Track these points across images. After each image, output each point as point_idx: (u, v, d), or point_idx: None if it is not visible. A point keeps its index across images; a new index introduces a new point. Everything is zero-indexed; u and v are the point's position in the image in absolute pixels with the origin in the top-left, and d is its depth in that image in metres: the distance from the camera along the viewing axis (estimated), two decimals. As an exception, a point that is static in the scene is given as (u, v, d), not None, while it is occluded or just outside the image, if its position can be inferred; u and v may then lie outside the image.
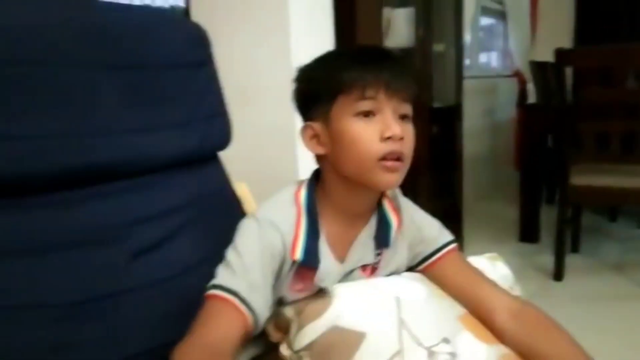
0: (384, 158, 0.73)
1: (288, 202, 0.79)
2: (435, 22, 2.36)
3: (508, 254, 2.63)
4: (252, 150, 1.52)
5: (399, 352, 0.73)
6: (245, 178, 1.19)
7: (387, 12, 2.17)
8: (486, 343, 0.79)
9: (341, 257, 0.81)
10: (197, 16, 1.67)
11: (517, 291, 0.94)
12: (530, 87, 3.56)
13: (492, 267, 0.96)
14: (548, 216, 2.82)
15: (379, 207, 0.84)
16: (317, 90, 0.77)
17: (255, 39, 1.63)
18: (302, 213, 0.78)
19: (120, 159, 0.84)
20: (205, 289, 0.73)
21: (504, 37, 4.29)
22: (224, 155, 1.10)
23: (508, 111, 4.07)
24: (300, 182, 0.83)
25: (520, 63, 3.98)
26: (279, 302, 0.80)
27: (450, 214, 2.59)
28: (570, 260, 2.44)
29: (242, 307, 0.70)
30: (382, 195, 0.84)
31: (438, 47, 2.43)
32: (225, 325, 0.70)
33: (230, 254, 0.74)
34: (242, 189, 1.12)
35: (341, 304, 0.77)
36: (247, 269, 0.72)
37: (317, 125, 0.78)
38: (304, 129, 0.80)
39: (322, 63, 0.80)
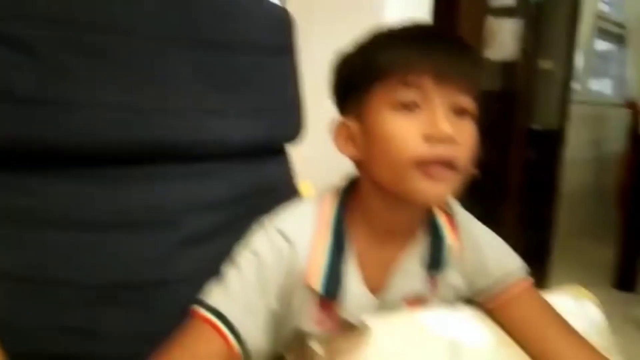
0: (426, 163, 0.56)
1: (310, 212, 0.65)
2: (544, 38, 2.17)
3: (599, 300, 2.41)
4: (323, 147, 1.44)
5: None
6: (312, 175, 1.11)
7: (492, 22, 2.02)
8: None
9: (378, 286, 0.65)
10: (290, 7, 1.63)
11: (609, 340, 0.78)
12: (645, 120, 3.24)
13: (579, 308, 0.79)
14: (651, 265, 2.53)
15: (430, 222, 0.68)
16: (351, 76, 0.63)
17: (347, 36, 1.56)
18: (325, 227, 0.63)
19: (185, 141, 0.79)
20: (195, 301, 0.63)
21: (620, 64, 3.94)
22: (294, 149, 1.02)
23: (617, 144, 3.72)
24: (331, 191, 0.68)
25: (636, 93, 3.63)
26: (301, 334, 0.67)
27: (538, 249, 2.39)
28: (673, 317, 2.15)
29: (228, 335, 0.59)
30: (432, 208, 0.67)
31: (545, 64, 2.24)
32: (202, 353, 0.58)
33: (229, 266, 0.63)
34: (306, 187, 1.04)
35: (380, 344, 0.61)
36: (244, 287, 0.60)
37: (352, 124, 0.63)
38: (337, 128, 0.65)
39: (360, 44, 0.64)
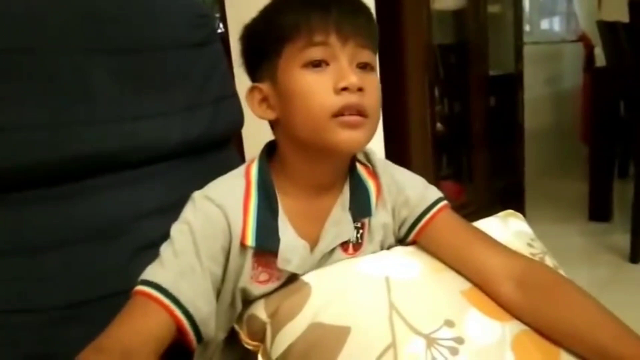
0: (340, 113, 0.61)
1: (236, 176, 0.68)
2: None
3: (577, 234, 2.45)
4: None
5: (391, 345, 0.60)
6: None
7: (436, -28, 1.99)
8: (498, 320, 0.65)
9: (314, 238, 0.68)
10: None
11: (536, 248, 0.80)
12: (598, 51, 3.28)
13: (504, 224, 0.83)
14: (620, 192, 2.58)
15: (351, 174, 0.72)
16: (261, 44, 0.66)
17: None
18: (252, 187, 0.66)
19: (120, 149, 0.78)
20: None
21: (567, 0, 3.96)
22: (251, 136, 0.99)
23: (574, 79, 3.77)
24: (253, 158, 0.71)
25: (586, 26, 3.67)
26: (249, 302, 0.68)
27: (511, 192, 2.41)
28: (649, 239, 2.20)
29: (166, 301, 0.59)
30: (353, 161, 0.72)
31: (493, 9, 2.23)
32: (142, 323, 0.58)
33: (164, 244, 0.63)
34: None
35: (320, 296, 0.64)
36: (177, 256, 0.61)
37: (265, 86, 0.66)
38: (250, 93, 0.68)
39: (264, 12, 0.68)
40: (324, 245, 0.69)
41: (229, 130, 0.96)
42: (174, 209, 0.80)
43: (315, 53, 0.62)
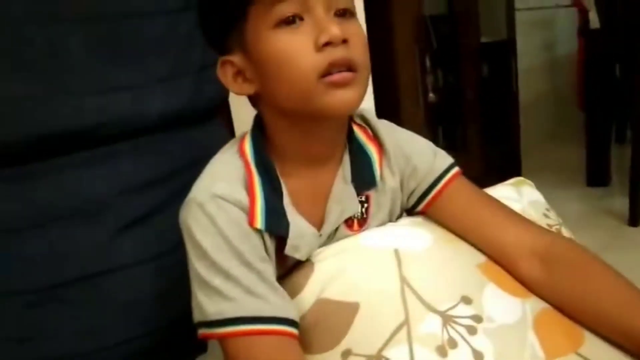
0: (327, 72, 0.54)
1: (229, 159, 0.61)
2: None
3: (575, 199, 2.44)
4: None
5: (404, 322, 0.56)
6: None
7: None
8: (518, 297, 0.61)
9: (317, 219, 0.63)
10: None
11: (552, 219, 0.76)
12: (592, 15, 3.23)
13: (517, 193, 0.78)
14: (618, 157, 2.56)
15: (349, 141, 0.65)
16: (221, 10, 0.58)
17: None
18: (252, 167, 0.60)
19: (97, 122, 0.74)
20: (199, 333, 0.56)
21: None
22: (238, 109, 0.96)
23: (568, 45, 3.72)
24: (243, 135, 0.64)
25: (580, -11, 3.61)
26: None
27: (508, 161, 2.39)
28: (647, 202, 2.18)
29: (274, 327, 0.54)
30: (350, 126, 0.65)
31: (484, -26, 2.18)
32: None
33: (201, 270, 0.55)
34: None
35: (324, 271, 0.60)
36: (229, 278, 0.54)
37: (236, 58, 0.59)
38: (221, 67, 0.60)
39: None
40: (328, 226, 0.63)
41: (214, 101, 0.92)
42: (157, 186, 0.78)
43: (286, 8, 0.54)
